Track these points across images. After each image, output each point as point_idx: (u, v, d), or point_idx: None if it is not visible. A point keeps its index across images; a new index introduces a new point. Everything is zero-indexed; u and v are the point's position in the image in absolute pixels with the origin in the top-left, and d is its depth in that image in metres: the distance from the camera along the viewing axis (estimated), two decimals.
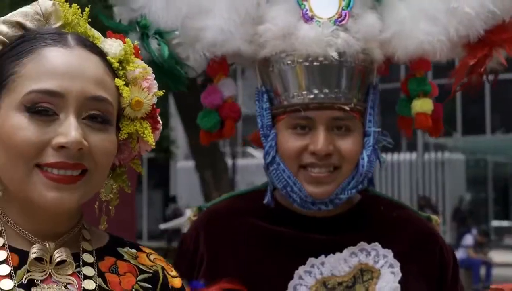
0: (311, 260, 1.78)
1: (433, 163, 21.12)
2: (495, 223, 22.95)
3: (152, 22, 1.78)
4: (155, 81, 1.27)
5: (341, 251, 1.78)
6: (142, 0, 1.79)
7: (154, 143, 1.27)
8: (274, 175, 1.78)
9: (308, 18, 1.76)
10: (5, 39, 1.25)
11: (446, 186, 21.00)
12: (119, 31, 1.46)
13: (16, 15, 1.26)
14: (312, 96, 1.75)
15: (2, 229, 1.22)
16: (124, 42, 1.28)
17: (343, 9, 1.78)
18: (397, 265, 1.78)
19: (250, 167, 22.20)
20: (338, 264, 1.78)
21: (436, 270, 1.82)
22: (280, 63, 1.79)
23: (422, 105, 1.80)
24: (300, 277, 1.77)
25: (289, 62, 1.77)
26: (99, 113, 1.20)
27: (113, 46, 1.26)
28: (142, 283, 1.29)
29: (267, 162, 1.79)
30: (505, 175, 24.16)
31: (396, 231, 1.83)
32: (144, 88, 1.26)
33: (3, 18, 1.27)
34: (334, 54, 1.72)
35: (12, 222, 1.22)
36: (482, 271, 13.57)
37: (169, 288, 1.32)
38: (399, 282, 1.77)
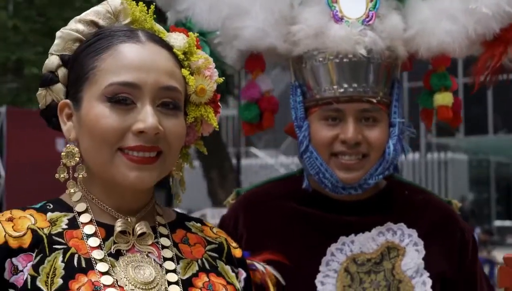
0: (342, 239, 1.94)
1: (436, 163, 21.27)
2: (498, 223, 23.08)
3: (196, 23, 1.94)
4: (215, 70, 1.43)
5: (369, 231, 1.95)
6: (186, 3, 1.96)
7: (217, 125, 1.43)
8: (307, 162, 1.94)
9: (338, 19, 1.93)
10: (81, 36, 1.41)
11: (448, 186, 21.14)
12: None
13: (89, 14, 1.42)
14: (342, 90, 1.91)
15: (88, 206, 1.38)
16: (187, 36, 1.44)
17: (370, 10, 1.94)
18: (421, 243, 1.94)
19: (253, 166, 22.39)
20: (367, 242, 1.94)
21: (457, 249, 1.98)
22: (312, 60, 1.95)
23: (444, 98, 1.96)
24: (332, 254, 1.94)
25: (320, 59, 1.94)
26: (170, 101, 1.35)
27: (177, 39, 1.42)
28: (210, 253, 1.45)
29: (301, 150, 1.95)
30: (507, 175, 24.30)
31: (419, 212, 1.99)
32: (207, 76, 1.42)
33: (78, 17, 1.42)
34: (363, 51, 1.88)
35: (96, 199, 1.38)
36: (486, 269, 13.74)
37: (232, 257, 1.49)
38: (423, 258, 1.93)
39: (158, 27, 1.44)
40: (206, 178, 11.37)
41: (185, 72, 1.40)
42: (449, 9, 1.94)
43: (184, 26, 1.92)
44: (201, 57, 1.43)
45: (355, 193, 1.94)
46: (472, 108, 22.04)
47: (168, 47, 1.41)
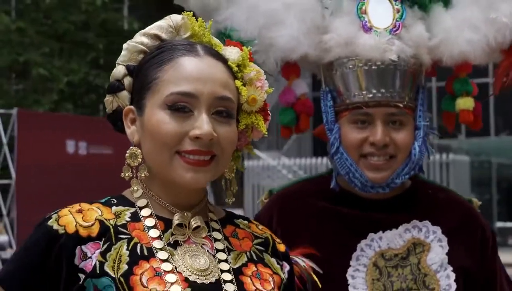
0: (371, 235, 2.07)
1: (438, 164, 21.36)
2: (499, 224, 23.17)
3: (234, 33, 2.07)
4: (266, 81, 1.56)
5: (396, 228, 2.07)
6: (224, 13, 2.09)
7: (266, 132, 1.56)
8: (338, 163, 2.07)
9: (367, 29, 2.06)
10: (146, 48, 1.54)
11: (450, 187, 21.02)
12: None
13: (153, 29, 1.56)
14: (371, 95, 2.04)
15: (148, 202, 1.52)
16: (241, 50, 1.57)
17: (397, 20, 2.07)
18: (444, 239, 2.07)
19: (256, 167, 22.50)
20: (394, 238, 2.07)
21: (478, 245, 2.10)
22: (342, 67, 2.08)
23: (465, 103, 2.10)
24: (362, 249, 2.06)
25: (350, 66, 2.06)
26: (224, 109, 1.48)
27: (232, 53, 1.55)
28: (257, 246, 1.59)
29: (332, 152, 2.08)
30: (509, 176, 24.39)
31: (443, 211, 2.12)
32: (258, 87, 1.55)
33: (143, 31, 1.56)
34: (394, 56, 2.01)
35: (155, 196, 1.52)
36: None
37: (277, 251, 1.62)
38: (447, 254, 2.06)
39: (215, 40, 1.57)
40: None
41: (238, 83, 1.53)
42: (471, 18, 2.07)
43: (224, 35, 2.05)
44: (253, 70, 1.56)
45: (383, 192, 2.07)
46: None
47: (224, 60, 1.54)
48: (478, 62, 2.10)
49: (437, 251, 2.06)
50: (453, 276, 2.04)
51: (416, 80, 2.10)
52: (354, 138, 2.04)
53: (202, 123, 1.45)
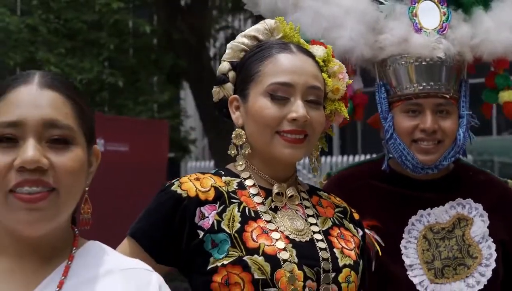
0: (420, 212, 2.36)
1: None
2: None
3: (301, 35, 2.34)
4: (346, 74, 1.85)
5: (443, 205, 2.36)
6: (291, 17, 2.35)
7: (348, 116, 1.85)
8: (392, 147, 2.35)
9: (418, 29, 2.34)
10: (246, 47, 1.83)
11: None
12: None
13: (251, 31, 1.85)
14: (421, 87, 2.32)
15: (251, 174, 1.81)
16: (325, 48, 1.86)
17: (443, 22, 2.36)
18: (485, 215, 2.35)
19: None
20: (441, 214, 2.35)
21: None
22: (395, 64, 2.36)
23: (510, 96, 2.40)
24: (413, 224, 2.35)
25: (403, 62, 2.35)
26: (315, 97, 1.78)
27: (318, 50, 1.85)
28: (338, 214, 1.88)
29: (387, 138, 2.36)
30: (511, 174, 24.64)
31: (483, 190, 2.40)
32: (340, 78, 1.84)
33: (243, 33, 1.86)
34: (442, 54, 2.29)
35: (256, 169, 1.80)
36: None
37: (354, 218, 1.91)
38: (488, 227, 2.34)
39: (303, 41, 1.86)
40: None
41: (324, 75, 1.83)
42: (509, 20, 2.35)
43: None
44: (336, 64, 1.86)
45: (432, 173, 2.35)
46: (477, 110, 22.36)
47: (312, 56, 1.83)
48: None
49: (479, 224, 2.34)
50: (493, 246, 2.32)
51: (460, 75, 2.38)
52: (406, 126, 2.32)
53: (298, 108, 1.74)
